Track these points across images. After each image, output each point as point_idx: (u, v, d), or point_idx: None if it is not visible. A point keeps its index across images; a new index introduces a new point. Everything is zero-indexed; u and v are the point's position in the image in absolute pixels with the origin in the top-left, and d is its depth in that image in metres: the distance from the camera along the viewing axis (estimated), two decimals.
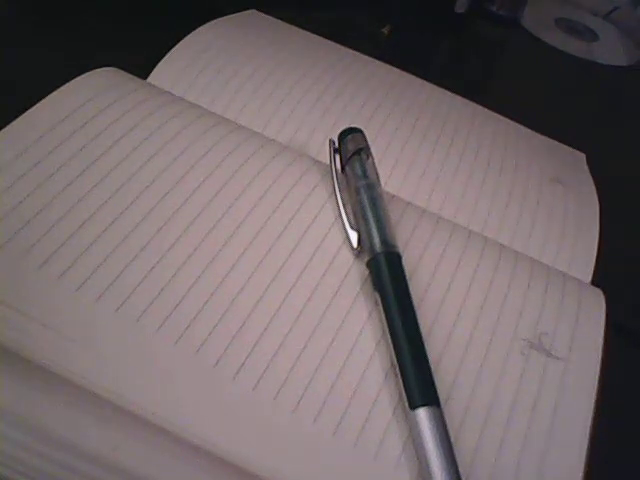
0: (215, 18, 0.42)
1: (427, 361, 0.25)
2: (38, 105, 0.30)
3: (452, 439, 0.23)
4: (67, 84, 0.31)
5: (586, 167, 0.41)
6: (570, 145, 0.43)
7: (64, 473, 0.22)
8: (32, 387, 0.22)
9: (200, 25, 0.40)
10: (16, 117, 0.32)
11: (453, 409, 0.25)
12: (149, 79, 0.37)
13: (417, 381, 0.24)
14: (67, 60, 0.38)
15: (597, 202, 0.38)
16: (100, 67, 0.33)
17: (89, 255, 0.25)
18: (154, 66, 0.38)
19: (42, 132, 0.29)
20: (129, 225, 0.27)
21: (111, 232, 0.26)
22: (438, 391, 0.24)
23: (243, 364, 0.24)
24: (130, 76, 0.34)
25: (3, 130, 0.29)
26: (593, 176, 0.41)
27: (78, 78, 0.32)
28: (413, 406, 0.24)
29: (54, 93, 0.31)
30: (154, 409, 0.22)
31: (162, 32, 0.39)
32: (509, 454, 0.25)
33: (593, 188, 0.39)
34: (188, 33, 0.39)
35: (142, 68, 0.37)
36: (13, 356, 0.22)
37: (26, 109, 0.32)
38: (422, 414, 0.23)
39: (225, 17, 0.42)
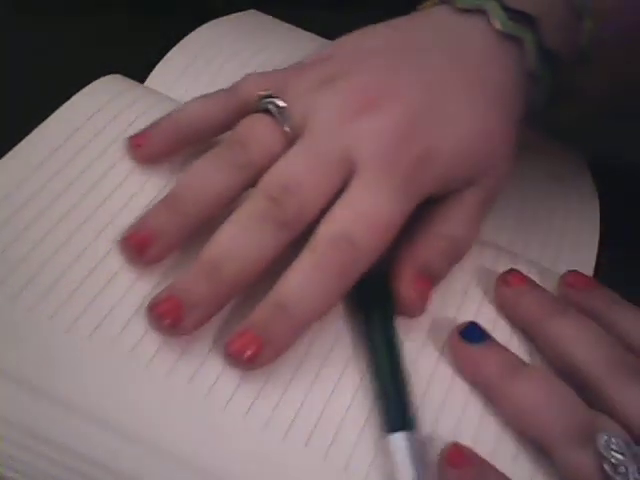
0: (215, 18, 0.41)
1: (404, 385, 0.25)
2: (44, 124, 0.30)
3: (427, 463, 0.23)
4: (74, 97, 0.31)
5: (587, 166, 0.42)
6: (570, 145, 0.43)
7: (65, 473, 0.22)
8: (33, 393, 0.23)
9: (200, 25, 0.40)
10: (14, 118, 0.32)
11: (440, 433, 0.25)
12: (147, 81, 0.37)
13: (393, 406, 0.24)
14: (66, 59, 0.38)
15: (597, 202, 0.38)
16: (99, 67, 0.33)
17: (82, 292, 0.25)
18: (154, 66, 0.38)
19: (52, 149, 0.29)
20: None
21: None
22: (423, 415, 0.24)
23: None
24: (132, 83, 0.34)
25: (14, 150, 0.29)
26: (593, 176, 0.41)
27: (83, 91, 0.32)
28: (387, 430, 0.24)
29: (61, 108, 0.30)
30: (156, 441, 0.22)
31: (162, 32, 0.39)
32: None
33: (593, 188, 0.39)
34: (188, 33, 0.39)
35: (141, 68, 0.37)
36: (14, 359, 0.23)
37: (24, 110, 0.32)
38: (395, 439, 0.23)
39: (224, 17, 0.42)
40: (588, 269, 0.34)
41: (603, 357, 0.25)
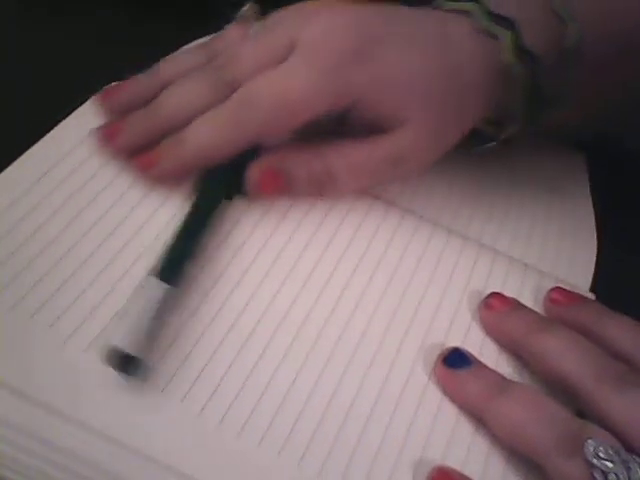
0: (216, 18, 0.41)
1: (195, 248, 0.27)
2: (47, 136, 0.30)
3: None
4: (77, 110, 0.32)
5: (586, 168, 0.41)
6: (570, 146, 0.43)
7: (63, 475, 0.22)
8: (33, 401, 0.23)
9: (199, 25, 0.40)
10: (15, 118, 0.32)
11: (430, 456, 0.25)
12: None
13: (171, 258, 0.26)
14: (66, 59, 0.38)
15: (592, 206, 0.38)
16: (99, 67, 0.33)
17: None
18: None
19: (53, 163, 0.29)
20: None
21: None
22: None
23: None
24: None
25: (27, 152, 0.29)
26: (594, 177, 0.40)
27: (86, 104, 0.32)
28: (154, 273, 0.25)
29: (65, 121, 0.31)
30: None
31: (162, 32, 0.39)
32: None
33: (588, 192, 0.39)
34: (188, 33, 0.39)
35: (140, 67, 0.37)
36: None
37: (25, 110, 0.32)
38: (151, 282, 0.24)
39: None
40: (589, 270, 0.34)
41: (590, 367, 0.25)
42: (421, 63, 0.29)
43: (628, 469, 0.22)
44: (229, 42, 0.32)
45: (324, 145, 0.30)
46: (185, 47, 0.35)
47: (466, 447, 0.25)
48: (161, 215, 0.29)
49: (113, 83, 0.33)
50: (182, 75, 0.31)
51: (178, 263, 0.26)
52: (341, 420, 0.25)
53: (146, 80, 0.32)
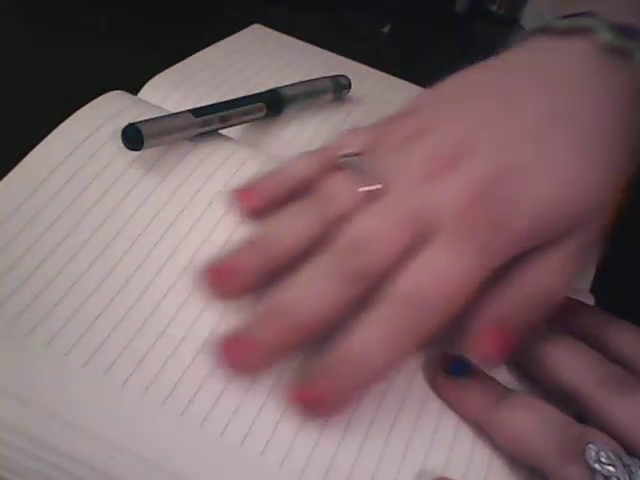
0: (215, 20, 0.41)
1: None
2: (46, 140, 0.29)
3: None
4: (78, 111, 0.31)
5: None
6: None
7: (60, 476, 0.22)
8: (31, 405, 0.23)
9: (197, 27, 0.40)
10: (15, 119, 0.31)
11: (430, 467, 0.24)
12: (144, 89, 0.37)
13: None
14: (67, 59, 0.38)
15: None
16: (98, 67, 0.33)
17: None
18: (153, 67, 0.38)
19: (55, 165, 0.29)
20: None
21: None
22: None
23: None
24: (136, 99, 0.34)
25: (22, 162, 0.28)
26: None
27: (88, 105, 0.31)
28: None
29: (65, 123, 0.30)
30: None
31: (162, 34, 0.39)
32: None
33: None
34: (187, 34, 0.39)
35: (141, 71, 0.37)
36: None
37: (25, 111, 0.32)
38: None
39: (227, 39, 0.42)
40: (589, 271, 0.34)
41: (590, 373, 0.25)
42: (574, 172, 0.26)
43: (630, 473, 0.22)
44: (346, 211, 0.26)
45: (512, 276, 0.26)
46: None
47: (467, 457, 0.25)
48: (156, 225, 0.28)
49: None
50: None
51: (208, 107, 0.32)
52: (342, 432, 0.24)
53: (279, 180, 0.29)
